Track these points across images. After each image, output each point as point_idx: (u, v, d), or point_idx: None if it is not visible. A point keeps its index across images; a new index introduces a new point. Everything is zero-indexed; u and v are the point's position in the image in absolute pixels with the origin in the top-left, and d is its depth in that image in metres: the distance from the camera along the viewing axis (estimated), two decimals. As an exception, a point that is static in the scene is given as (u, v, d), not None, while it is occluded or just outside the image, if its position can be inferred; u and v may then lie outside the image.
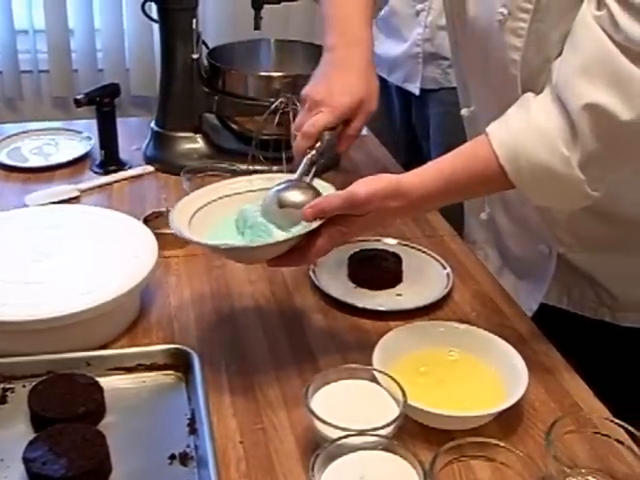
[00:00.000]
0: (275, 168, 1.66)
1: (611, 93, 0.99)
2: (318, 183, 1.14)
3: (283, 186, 1.12)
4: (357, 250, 1.44)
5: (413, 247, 1.47)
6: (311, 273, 1.36)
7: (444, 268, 1.41)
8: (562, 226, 1.31)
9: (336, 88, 1.21)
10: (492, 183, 1.10)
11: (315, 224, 1.05)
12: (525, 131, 1.05)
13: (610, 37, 0.99)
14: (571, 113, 1.02)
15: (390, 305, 1.31)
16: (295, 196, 1.11)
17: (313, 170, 1.15)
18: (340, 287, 1.36)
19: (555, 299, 1.41)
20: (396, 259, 1.41)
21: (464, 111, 1.41)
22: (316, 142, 1.16)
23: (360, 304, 1.30)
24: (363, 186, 1.06)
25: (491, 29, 1.17)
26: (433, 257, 1.45)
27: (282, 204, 1.10)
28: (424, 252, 1.46)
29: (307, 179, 1.14)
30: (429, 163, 1.12)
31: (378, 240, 1.48)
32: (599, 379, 1.18)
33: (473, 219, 1.57)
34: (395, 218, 1.11)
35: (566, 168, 1.03)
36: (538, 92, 1.10)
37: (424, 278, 1.38)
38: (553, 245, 1.36)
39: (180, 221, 1.10)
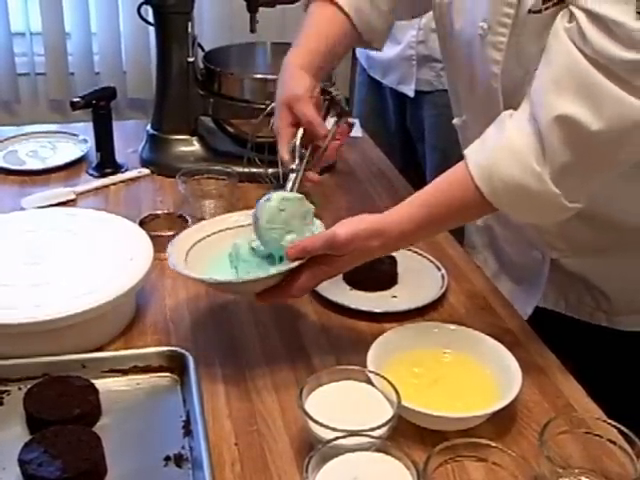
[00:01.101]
0: (270, 170, 1.67)
1: (580, 104, 1.01)
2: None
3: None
4: None
5: (409, 249, 1.47)
6: None
7: (439, 270, 1.42)
8: (553, 232, 1.32)
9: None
10: (472, 207, 1.11)
11: (297, 262, 1.09)
12: (498, 150, 1.07)
13: (579, 49, 1.01)
14: (541, 127, 1.03)
15: (385, 307, 1.32)
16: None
17: (296, 184, 1.19)
18: (335, 289, 1.36)
19: (552, 303, 1.42)
20: (391, 261, 1.42)
21: (456, 120, 1.43)
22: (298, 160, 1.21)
23: (355, 306, 1.30)
24: (344, 227, 1.10)
25: (474, 43, 1.20)
26: (428, 259, 1.45)
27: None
28: (419, 254, 1.47)
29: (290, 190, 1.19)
30: (410, 197, 1.14)
31: None
32: (595, 381, 1.19)
33: (471, 224, 1.58)
34: (377, 255, 1.15)
35: (539, 184, 1.04)
36: (519, 104, 1.10)
37: (419, 280, 1.39)
38: (546, 251, 1.36)
39: (178, 254, 1.16)
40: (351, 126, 1.32)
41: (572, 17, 1.03)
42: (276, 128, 1.25)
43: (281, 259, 1.15)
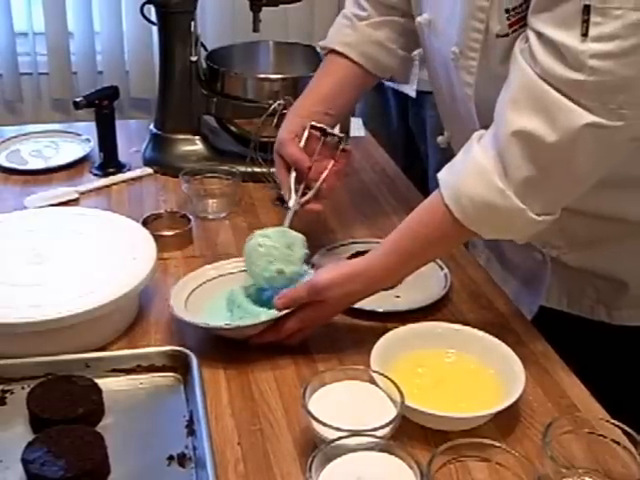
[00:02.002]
0: (273, 170, 1.67)
1: (536, 118, 1.04)
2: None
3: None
4: (354, 252, 1.44)
5: None
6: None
7: (442, 269, 1.41)
8: (549, 230, 1.31)
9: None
10: (446, 229, 1.15)
11: (285, 311, 1.18)
12: (464, 170, 1.11)
13: (531, 68, 1.05)
14: (501, 144, 1.07)
15: (388, 306, 1.31)
16: None
17: (289, 219, 1.32)
18: None
19: (555, 301, 1.42)
20: None
21: (440, 138, 1.47)
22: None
23: (358, 305, 1.30)
24: (324, 274, 1.19)
25: (449, 65, 1.24)
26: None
27: None
28: None
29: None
30: (389, 236, 1.20)
31: (377, 242, 1.48)
32: (596, 380, 1.19)
33: None
34: (362, 298, 1.22)
35: (504, 200, 1.08)
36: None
37: (422, 279, 1.38)
38: (545, 250, 1.36)
39: (178, 297, 1.25)
40: (348, 151, 1.39)
41: (526, 38, 1.08)
42: (276, 174, 1.39)
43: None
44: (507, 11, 1.11)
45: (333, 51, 1.45)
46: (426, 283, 1.38)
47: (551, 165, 1.07)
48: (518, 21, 1.11)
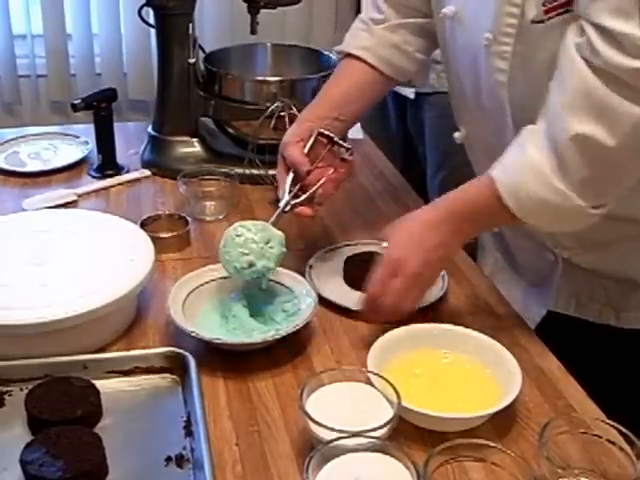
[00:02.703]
0: (271, 172, 1.67)
1: (595, 123, 1.05)
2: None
3: None
4: (352, 254, 1.45)
5: None
6: (307, 276, 1.37)
7: None
8: (565, 232, 1.32)
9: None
10: (502, 221, 1.23)
11: (277, 335, 1.20)
12: (521, 169, 1.12)
13: (590, 64, 1.05)
14: (559, 146, 1.08)
15: None
16: None
17: (275, 217, 1.32)
18: (336, 290, 1.37)
19: (562, 305, 1.42)
20: None
21: (457, 135, 1.45)
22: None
23: (355, 307, 1.31)
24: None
25: (479, 54, 1.23)
26: None
27: None
28: None
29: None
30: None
31: (376, 244, 1.49)
32: (600, 384, 1.19)
33: None
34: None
35: (564, 199, 1.10)
36: (527, 113, 1.16)
37: None
38: (557, 251, 1.37)
39: (176, 299, 1.25)
40: (349, 161, 1.38)
41: (582, 31, 1.07)
42: (277, 175, 1.39)
43: (271, 320, 1.27)
44: None
45: (349, 55, 1.45)
46: None
47: (609, 165, 1.09)
48: (554, 8, 1.12)
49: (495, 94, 1.24)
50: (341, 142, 1.38)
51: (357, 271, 1.40)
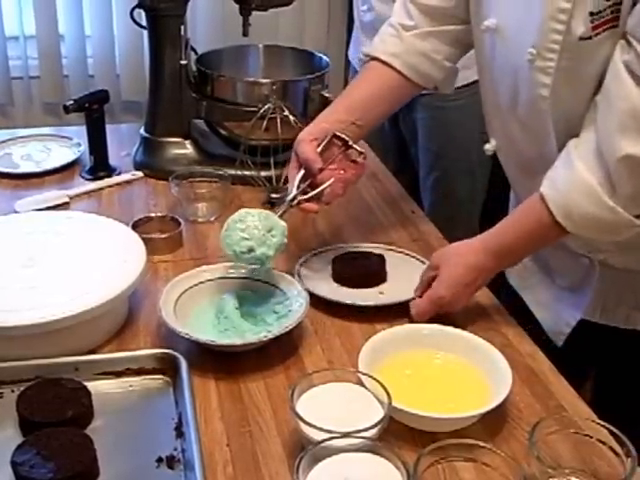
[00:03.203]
0: (263, 173, 1.68)
1: None
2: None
3: None
4: (341, 253, 1.46)
5: (400, 251, 1.48)
6: (296, 276, 1.37)
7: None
8: None
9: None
10: (554, 236, 1.23)
11: (269, 336, 1.20)
12: (574, 190, 1.16)
13: (638, 81, 1.09)
14: (609, 165, 1.12)
15: (373, 302, 1.32)
16: None
17: (283, 209, 1.33)
18: (324, 287, 1.37)
19: (589, 313, 1.40)
20: (380, 259, 1.43)
21: (487, 146, 1.44)
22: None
23: (344, 300, 1.31)
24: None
25: (521, 67, 1.23)
26: (418, 259, 1.46)
27: None
28: (409, 255, 1.48)
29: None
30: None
31: (365, 243, 1.50)
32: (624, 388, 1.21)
33: None
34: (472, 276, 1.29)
35: (614, 216, 1.15)
36: (569, 125, 1.20)
37: (408, 278, 1.38)
38: (593, 255, 1.36)
39: (168, 300, 1.26)
40: (361, 164, 1.39)
41: (629, 47, 1.10)
42: (288, 172, 1.39)
43: (262, 321, 1.27)
44: (591, 14, 1.12)
45: (375, 59, 1.45)
46: (412, 281, 1.36)
47: None
48: (602, 24, 1.12)
49: (535, 107, 1.24)
50: (355, 146, 1.38)
51: (345, 267, 1.41)
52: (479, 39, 1.35)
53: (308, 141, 1.35)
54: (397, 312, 1.31)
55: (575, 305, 1.42)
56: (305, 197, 1.34)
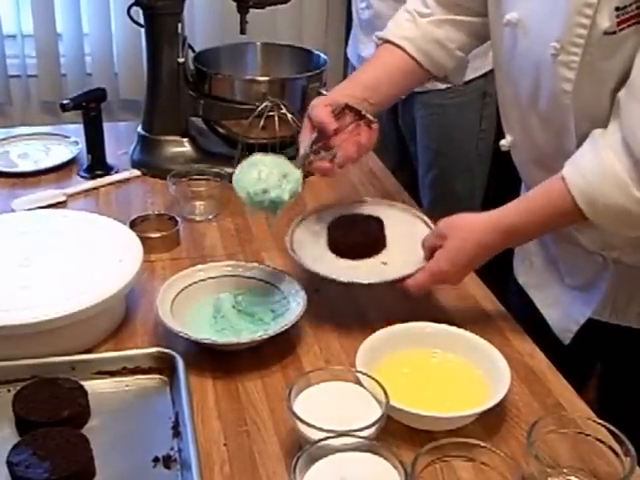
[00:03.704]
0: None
1: None
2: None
3: None
4: (337, 217, 1.40)
5: (393, 205, 1.44)
6: (288, 244, 1.33)
7: (428, 226, 1.36)
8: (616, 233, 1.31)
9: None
10: (570, 222, 1.22)
11: (265, 335, 1.20)
12: (601, 179, 1.13)
13: None
14: (638, 158, 1.10)
15: (376, 277, 1.27)
16: None
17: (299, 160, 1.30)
18: (319, 258, 1.32)
19: (598, 312, 1.39)
20: (378, 224, 1.38)
21: (503, 142, 1.42)
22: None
23: (342, 279, 1.26)
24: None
25: (544, 62, 1.22)
26: (417, 216, 1.41)
27: None
28: (407, 211, 1.43)
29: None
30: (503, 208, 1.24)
31: (357, 205, 1.45)
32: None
33: None
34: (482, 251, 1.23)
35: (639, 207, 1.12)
36: (590, 119, 1.18)
37: (409, 241, 1.32)
38: (606, 252, 1.35)
39: (165, 298, 1.25)
40: (374, 130, 1.36)
41: None
42: (300, 137, 1.36)
43: (259, 320, 1.26)
44: (617, 9, 1.11)
45: (388, 42, 1.44)
46: (414, 245, 1.31)
47: None
48: (627, 20, 1.12)
49: (557, 102, 1.23)
50: (368, 115, 1.35)
51: (343, 238, 1.35)
52: (498, 33, 1.34)
53: (322, 106, 1.34)
54: (395, 311, 1.31)
55: (585, 303, 1.41)
56: (319, 156, 1.31)
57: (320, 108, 1.33)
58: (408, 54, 1.42)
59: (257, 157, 1.27)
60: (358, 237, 1.35)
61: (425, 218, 1.39)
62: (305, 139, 1.34)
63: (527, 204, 1.23)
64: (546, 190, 1.21)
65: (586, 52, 1.16)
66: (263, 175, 1.24)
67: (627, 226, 1.17)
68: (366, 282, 1.26)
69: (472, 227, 1.24)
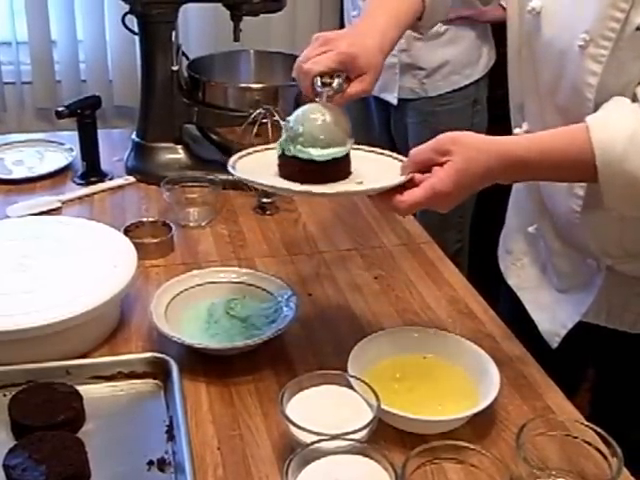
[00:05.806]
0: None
1: None
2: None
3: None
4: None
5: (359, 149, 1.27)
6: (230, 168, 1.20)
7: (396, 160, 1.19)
8: (613, 240, 1.30)
9: (349, 38, 1.22)
10: (580, 178, 1.16)
11: (258, 340, 1.21)
12: (627, 140, 1.06)
13: None
14: None
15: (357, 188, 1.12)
16: None
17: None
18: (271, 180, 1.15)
19: (593, 316, 1.39)
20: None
21: (517, 130, 1.39)
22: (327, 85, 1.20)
23: (297, 189, 1.11)
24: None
25: (569, 52, 1.19)
26: (383, 153, 1.26)
27: None
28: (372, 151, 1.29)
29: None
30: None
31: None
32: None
33: (516, 230, 1.54)
34: (480, 177, 1.11)
35: None
36: None
37: (377, 169, 1.19)
38: (601, 259, 1.34)
39: (159, 304, 1.27)
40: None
41: None
42: (316, 63, 1.22)
43: (252, 325, 1.27)
44: None
45: None
46: (383, 171, 1.15)
47: None
48: None
49: (578, 94, 1.19)
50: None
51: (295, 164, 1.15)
52: (519, 20, 1.31)
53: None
54: (386, 316, 1.32)
55: (574, 307, 1.41)
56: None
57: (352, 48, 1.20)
58: None
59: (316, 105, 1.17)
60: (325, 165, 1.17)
61: (393, 154, 1.24)
62: (322, 62, 1.21)
63: (541, 143, 1.12)
64: (569, 137, 1.12)
65: (616, 47, 1.13)
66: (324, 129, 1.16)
67: (633, 202, 1.11)
68: (332, 191, 1.12)
69: (481, 148, 1.09)
